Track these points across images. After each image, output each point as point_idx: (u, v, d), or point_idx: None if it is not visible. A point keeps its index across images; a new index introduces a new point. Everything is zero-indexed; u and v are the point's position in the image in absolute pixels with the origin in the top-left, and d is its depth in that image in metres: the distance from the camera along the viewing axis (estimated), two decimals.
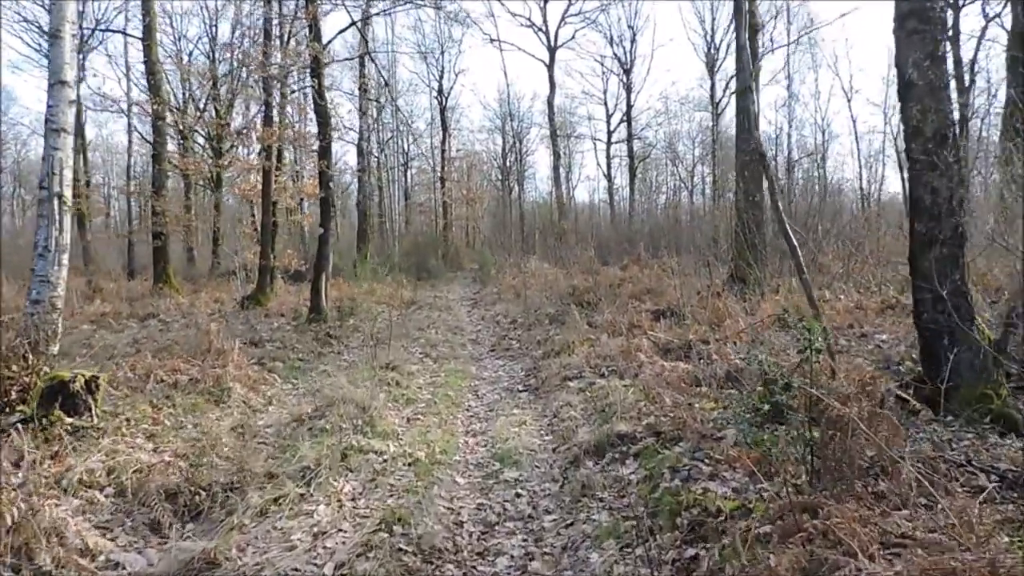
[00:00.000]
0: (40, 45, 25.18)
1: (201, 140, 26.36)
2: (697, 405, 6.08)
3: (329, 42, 13.81)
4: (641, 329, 10.40)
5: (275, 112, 16.83)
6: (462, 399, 7.94)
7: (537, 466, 5.57)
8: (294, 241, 27.12)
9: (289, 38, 16.40)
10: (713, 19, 31.24)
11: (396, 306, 17.59)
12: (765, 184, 15.71)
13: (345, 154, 38.42)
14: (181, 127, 25.05)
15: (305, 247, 28.60)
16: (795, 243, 5.59)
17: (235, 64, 15.74)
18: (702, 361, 7.95)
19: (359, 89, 22.17)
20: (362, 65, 22.60)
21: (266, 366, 9.47)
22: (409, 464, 5.47)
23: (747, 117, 14.63)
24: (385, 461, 5.49)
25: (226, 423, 6.90)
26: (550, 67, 30.83)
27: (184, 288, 19.91)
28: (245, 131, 15.04)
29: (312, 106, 13.53)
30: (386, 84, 23.58)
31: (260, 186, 16.76)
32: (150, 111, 19.92)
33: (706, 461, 4.83)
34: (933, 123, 5.43)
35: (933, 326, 5.57)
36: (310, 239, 27.66)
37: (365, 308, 16.52)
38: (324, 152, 13.31)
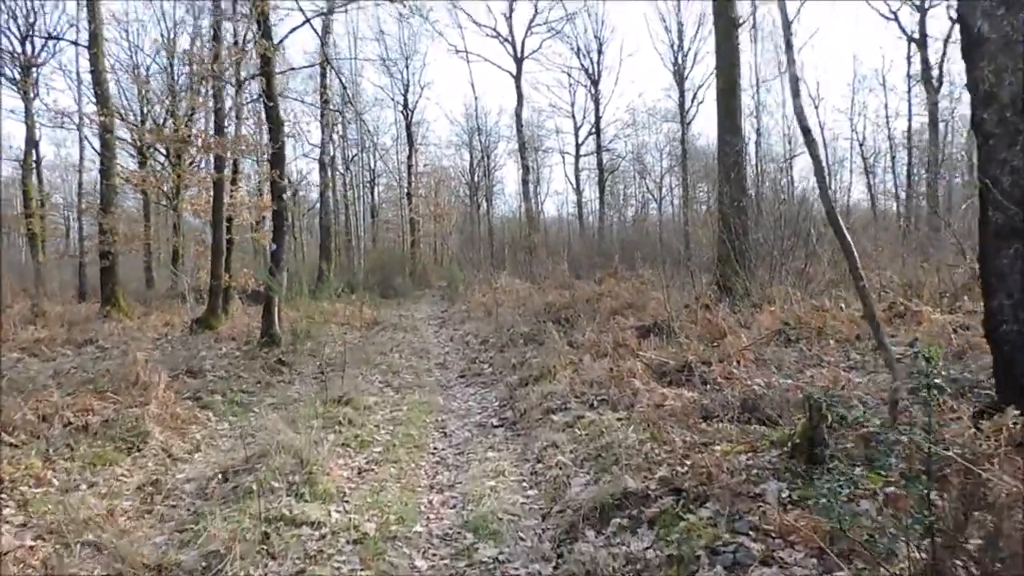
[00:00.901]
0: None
1: (161, 157, 24.71)
2: (718, 448, 4.78)
3: (280, 41, 12.44)
4: (628, 348, 9.12)
5: (229, 120, 15.40)
6: (427, 439, 6.54)
7: (522, 538, 4.19)
8: (257, 260, 25.58)
9: (244, 43, 15.02)
10: (680, 27, 30.31)
11: (358, 327, 16.15)
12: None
13: (310, 172, 36.75)
14: (139, 142, 23.36)
15: (266, 266, 27.01)
16: (850, 243, 4.32)
17: (185, 67, 14.19)
18: (708, 387, 6.68)
19: (320, 100, 20.74)
20: (323, 75, 21.19)
21: (201, 401, 8.01)
22: (354, 541, 4.07)
23: (730, 117, 13.51)
24: (323, 538, 4.08)
25: (134, 480, 5.48)
26: (517, 78, 29.69)
27: (135, 311, 18.29)
28: (191, 138, 13.51)
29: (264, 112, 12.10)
30: (345, 89, 22.12)
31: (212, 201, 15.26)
32: (97, 123, 18.30)
33: (751, 533, 3.52)
34: (1011, 86, 4.21)
35: (1013, 339, 4.35)
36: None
37: (325, 330, 15.08)
38: (276, 160, 11.89)
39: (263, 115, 15.41)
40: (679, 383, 7.06)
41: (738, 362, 7.59)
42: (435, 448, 6.30)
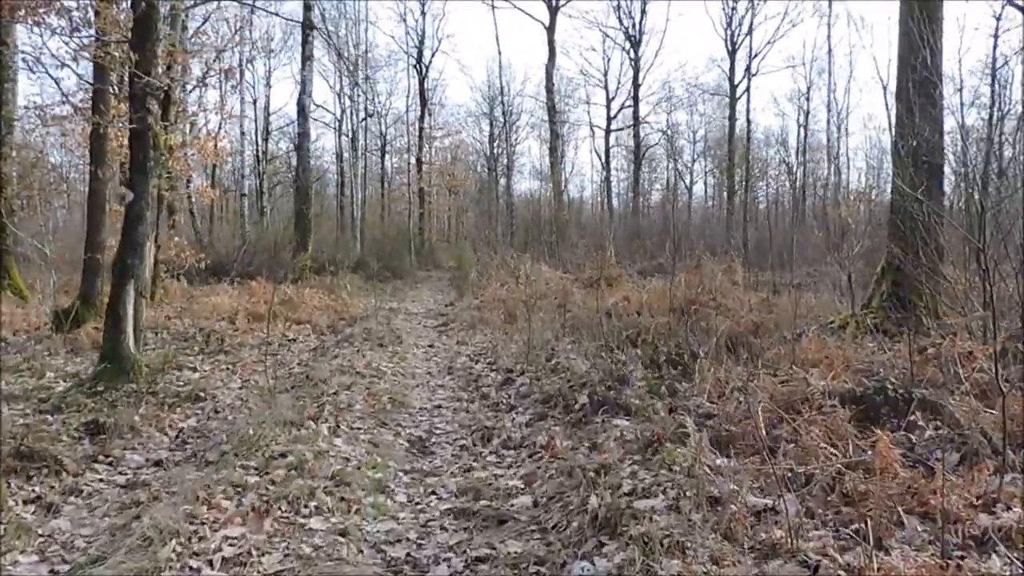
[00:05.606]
0: None
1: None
2: None
3: None
4: (865, 466, 3.22)
5: None
6: None
7: None
8: (230, 228, 19.74)
9: None
10: None
11: (321, 329, 10.24)
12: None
13: (319, 137, 29.77)
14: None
15: (244, 234, 21.06)
16: None
17: None
18: None
19: (301, 26, 14.70)
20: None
21: None
22: None
23: (927, 19, 7.42)
24: None
25: None
26: (550, 30, 23.33)
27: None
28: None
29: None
30: (339, 54, 16.16)
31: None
32: None
33: None
34: None
35: None
36: (215, 223, 20.38)
37: (257, 335, 9.15)
38: (138, 39, 5.95)
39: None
40: None
41: None
42: None
